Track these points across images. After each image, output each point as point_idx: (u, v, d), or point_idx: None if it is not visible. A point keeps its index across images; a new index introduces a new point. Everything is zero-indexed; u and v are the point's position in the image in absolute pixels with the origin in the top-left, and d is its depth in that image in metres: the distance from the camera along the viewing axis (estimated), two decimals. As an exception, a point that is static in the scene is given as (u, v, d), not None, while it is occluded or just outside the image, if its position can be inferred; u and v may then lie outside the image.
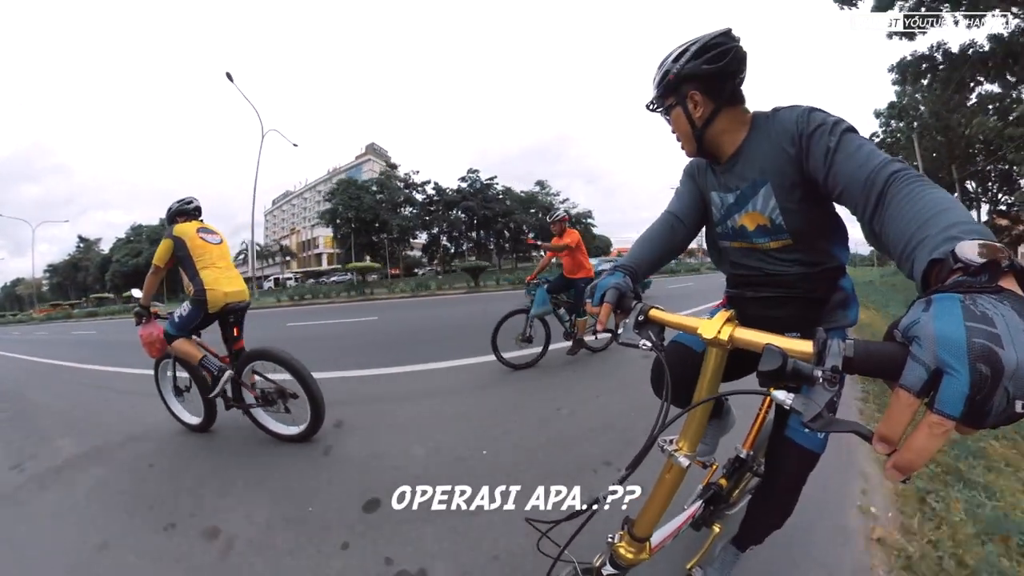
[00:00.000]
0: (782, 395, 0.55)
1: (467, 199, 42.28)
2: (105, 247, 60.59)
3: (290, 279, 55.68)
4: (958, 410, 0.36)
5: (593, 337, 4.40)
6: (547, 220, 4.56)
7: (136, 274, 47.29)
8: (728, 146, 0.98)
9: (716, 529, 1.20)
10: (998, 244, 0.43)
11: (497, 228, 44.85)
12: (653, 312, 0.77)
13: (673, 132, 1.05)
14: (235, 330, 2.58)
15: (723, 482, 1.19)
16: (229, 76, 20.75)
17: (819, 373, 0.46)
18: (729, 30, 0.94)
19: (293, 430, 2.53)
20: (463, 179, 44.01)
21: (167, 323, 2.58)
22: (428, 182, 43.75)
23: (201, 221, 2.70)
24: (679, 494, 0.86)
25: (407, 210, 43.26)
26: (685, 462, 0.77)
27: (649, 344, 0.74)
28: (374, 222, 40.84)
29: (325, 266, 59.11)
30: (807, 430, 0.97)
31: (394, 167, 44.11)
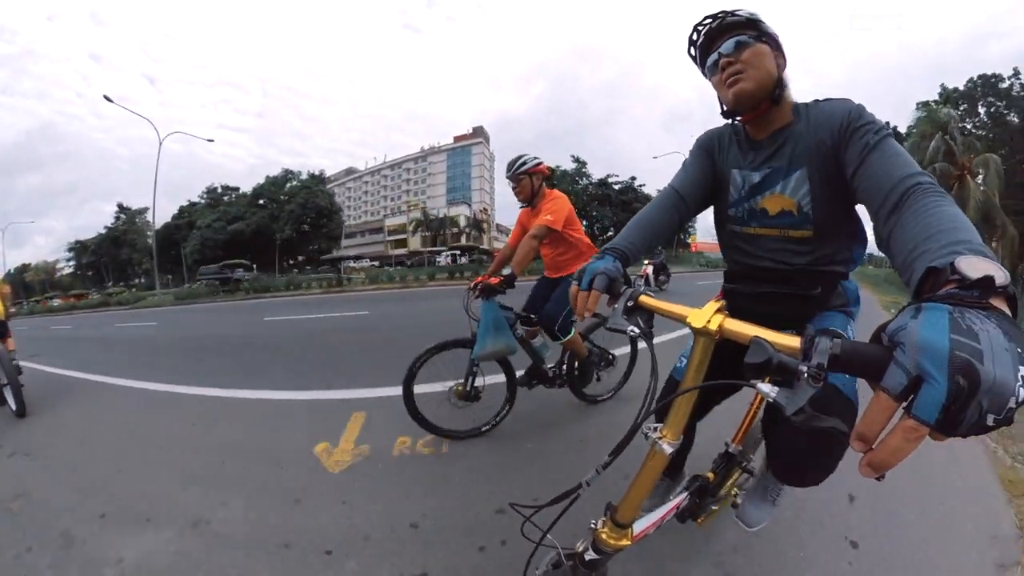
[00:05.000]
0: (767, 388, 0.55)
1: (635, 202, 42.91)
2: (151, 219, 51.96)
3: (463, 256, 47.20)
4: (933, 417, 0.37)
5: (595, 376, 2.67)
6: (506, 176, 2.45)
7: (236, 243, 38.67)
8: (774, 121, 0.96)
9: (700, 521, 1.22)
10: (998, 265, 0.44)
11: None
12: (643, 299, 0.77)
13: (736, 64, 0.90)
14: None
15: (710, 476, 1.19)
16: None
17: (804, 369, 0.47)
18: None
19: (13, 407, 3.37)
20: (607, 177, 45.12)
21: None
22: (617, 183, 44.88)
23: None
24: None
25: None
26: (668, 449, 0.77)
27: (637, 330, 0.73)
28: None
29: (464, 242, 53.47)
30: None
31: (583, 163, 43.89)
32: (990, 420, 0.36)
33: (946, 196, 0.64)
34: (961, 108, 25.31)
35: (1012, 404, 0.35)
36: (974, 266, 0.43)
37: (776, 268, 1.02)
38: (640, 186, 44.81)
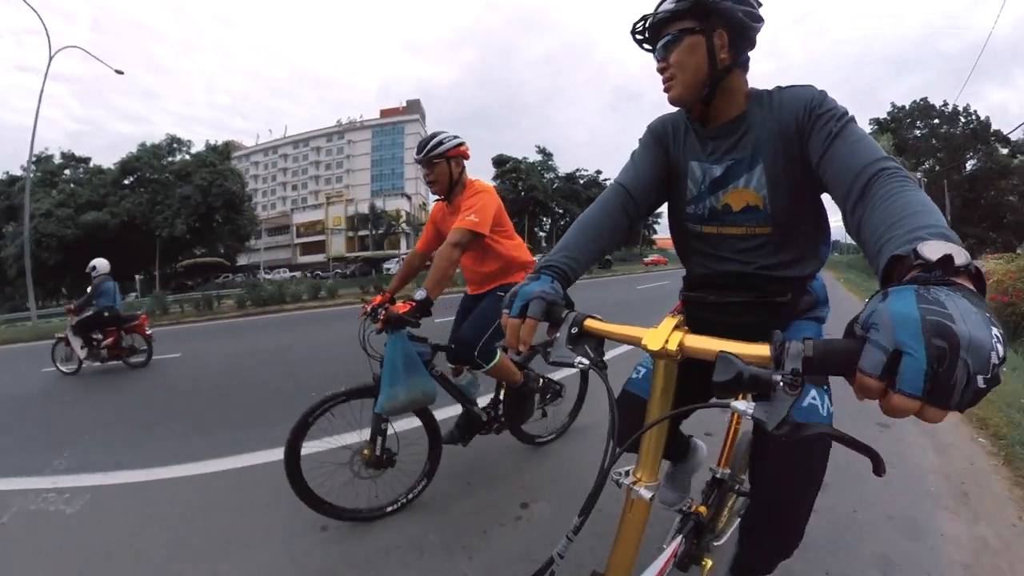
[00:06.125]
0: (742, 405, 0.52)
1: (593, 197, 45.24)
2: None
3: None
4: (919, 388, 0.36)
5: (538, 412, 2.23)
6: (415, 159, 2.01)
7: (96, 241, 25.47)
8: (729, 109, 0.88)
9: (708, 564, 1.10)
10: (960, 246, 0.44)
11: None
12: (589, 323, 0.67)
13: (667, 70, 0.87)
14: None
15: (702, 510, 1.08)
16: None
17: (778, 378, 0.45)
18: None
19: None
20: (572, 173, 45.33)
21: None
22: (582, 176, 45.28)
23: None
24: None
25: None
26: (647, 494, 0.67)
27: (586, 361, 0.64)
28: (545, 204, 40.84)
29: (404, 249, 41.96)
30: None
31: (549, 155, 42.97)
32: (980, 381, 0.35)
33: (909, 180, 0.64)
34: (906, 122, 34.88)
35: (995, 360, 0.35)
36: (934, 249, 0.44)
37: (743, 272, 0.95)
38: (605, 180, 44.82)
